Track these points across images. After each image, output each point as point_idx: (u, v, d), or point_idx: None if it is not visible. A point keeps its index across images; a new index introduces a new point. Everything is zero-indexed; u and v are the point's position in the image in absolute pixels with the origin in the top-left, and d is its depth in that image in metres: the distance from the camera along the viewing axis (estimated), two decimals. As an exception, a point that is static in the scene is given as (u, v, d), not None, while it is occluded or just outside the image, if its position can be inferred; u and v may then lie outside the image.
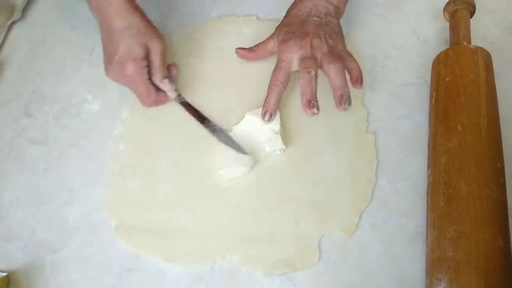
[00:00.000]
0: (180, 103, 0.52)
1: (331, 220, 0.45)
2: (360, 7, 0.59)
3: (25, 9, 0.65)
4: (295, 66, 0.48)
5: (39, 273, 0.45)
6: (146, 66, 0.48)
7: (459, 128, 0.42)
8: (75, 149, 0.53)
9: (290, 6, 0.53)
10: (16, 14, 0.64)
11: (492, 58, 0.47)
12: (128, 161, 0.51)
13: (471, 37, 0.50)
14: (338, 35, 0.50)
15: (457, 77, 0.45)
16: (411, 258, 0.42)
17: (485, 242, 0.36)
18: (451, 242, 0.37)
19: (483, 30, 0.54)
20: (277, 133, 0.48)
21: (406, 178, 0.47)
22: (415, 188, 0.46)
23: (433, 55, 0.50)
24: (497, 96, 0.45)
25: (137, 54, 0.47)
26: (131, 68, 0.47)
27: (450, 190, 0.39)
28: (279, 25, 0.52)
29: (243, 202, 0.47)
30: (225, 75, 0.55)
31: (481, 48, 0.47)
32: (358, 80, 0.47)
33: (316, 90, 0.46)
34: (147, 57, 0.48)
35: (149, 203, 0.48)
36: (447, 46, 0.51)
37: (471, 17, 0.52)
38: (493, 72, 0.46)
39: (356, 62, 0.48)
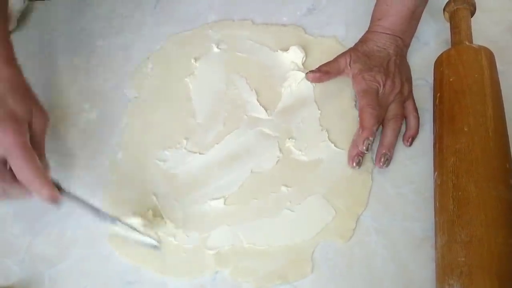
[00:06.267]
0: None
1: (326, 227, 0.43)
2: (359, 9, 0.58)
3: (21, 18, 0.64)
4: None
5: (37, 288, 0.44)
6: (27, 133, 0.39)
7: (465, 129, 0.41)
8: (73, 159, 0.51)
9: (366, 36, 0.51)
10: (12, 24, 0.63)
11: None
12: (126, 170, 0.50)
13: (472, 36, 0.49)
14: (411, 79, 0.51)
15: (461, 77, 0.44)
16: (419, 263, 0.41)
17: (497, 245, 0.35)
18: (462, 246, 0.36)
19: (483, 29, 0.54)
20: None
21: (410, 182, 0.46)
22: (420, 192, 0.45)
23: (433, 56, 0.50)
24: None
25: (22, 116, 0.39)
26: (11, 131, 0.37)
27: (459, 193, 0.38)
28: (352, 49, 0.51)
29: (233, 212, 0.46)
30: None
31: (484, 47, 0.46)
32: (410, 139, 0.47)
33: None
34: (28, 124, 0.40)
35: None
36: (448, 46, 0.50)
37: (471, 17, 0.51)
38: (497, 71, 0.46)
39: (418, 120, 0.48)
